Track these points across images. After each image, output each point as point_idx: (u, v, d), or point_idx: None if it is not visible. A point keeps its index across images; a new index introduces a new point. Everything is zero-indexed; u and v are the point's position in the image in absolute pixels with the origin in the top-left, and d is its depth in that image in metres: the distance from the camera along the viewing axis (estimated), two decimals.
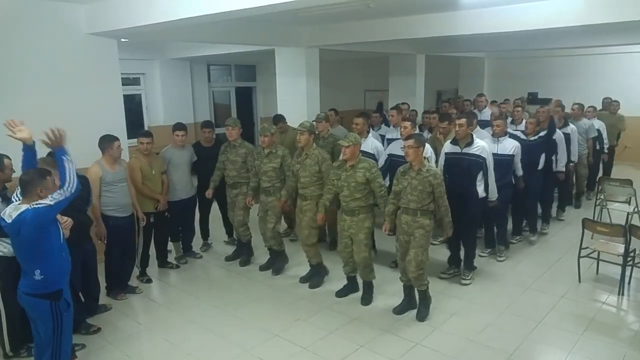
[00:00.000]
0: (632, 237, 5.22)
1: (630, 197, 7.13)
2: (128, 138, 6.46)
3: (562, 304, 5.11)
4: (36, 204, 3.23)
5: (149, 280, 5.87)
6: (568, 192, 8.25)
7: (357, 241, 5.00)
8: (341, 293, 5.40)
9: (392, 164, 5.77)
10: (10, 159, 4.10)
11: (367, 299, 5.22)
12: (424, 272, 4.79)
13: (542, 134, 6.58)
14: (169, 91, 11.85)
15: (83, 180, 4.55)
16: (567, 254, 6.28)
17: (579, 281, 5.58)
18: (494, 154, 5.61)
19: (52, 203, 3.24)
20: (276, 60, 8.93)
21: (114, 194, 5.08)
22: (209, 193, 6.24)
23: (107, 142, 5.06)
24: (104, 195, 5.02)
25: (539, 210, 7.19)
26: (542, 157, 6.53)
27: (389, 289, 5.38)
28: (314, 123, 6.04)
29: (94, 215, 4.94)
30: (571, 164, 7.35)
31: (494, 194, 5.52)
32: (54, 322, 3.45)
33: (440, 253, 5.97)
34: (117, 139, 5.14)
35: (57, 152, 3.40)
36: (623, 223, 5.69)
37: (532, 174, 6.43)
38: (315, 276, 5.70)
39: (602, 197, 7.42)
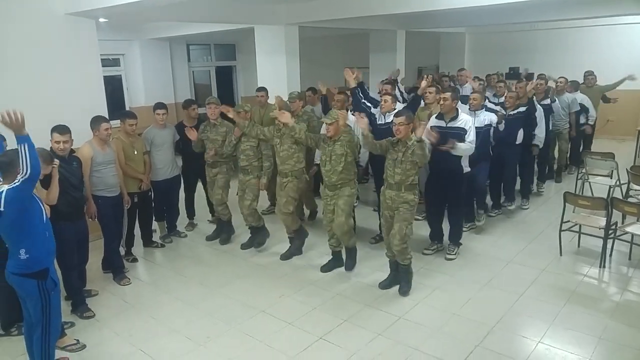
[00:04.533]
0: (614, 210, 5.30)
1: (612, 171, 7.19)
2: (109, 119, 6.36)
3: (543, 277, 5.19)
4: (9, 186, 3.23)
5: (135, 260, 5.87)
6: (548, 165, 8.34)
7: (336, 207, 5.07)
8: (326, 268, 5.44)
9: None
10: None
11: (350, 265, 5.32)
12: (408, 246, 4.84)
13: (521, 109, 6.57)
14: (149, 72, 11.75)
15: (78, 160, 4.64)
16: (548, 228, 6.37)
17: (560, 254, 5.66)
18: None
19: (15, 183, 3.21)
20: (256, 38, 8.83)
21: (102, 175, 5.05)
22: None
23: (95, 123, 5.05)
24: (92, 175, 5.00)
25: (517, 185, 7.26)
26: (521, 132, 6.57)
27: (372, 264, 5.43)
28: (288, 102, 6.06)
29: (86, 194, 4.92)
30: (535, 147, 7.16)
31: (455, 149, 5.22)
32: (42, 301, 3.48)
33: (424, 229, 5.99)
34: (105, 120, 5.08)
35: (18, 140, 3.26)
36: (605, 196, 5.78)
37: (510, 149, 6.49)
38: (296, 243, 5.77)
39: (583, 170, 7.50)
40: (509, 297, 4.77)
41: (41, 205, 3.49)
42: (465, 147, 5.26)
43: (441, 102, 5.40)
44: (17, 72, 5.51)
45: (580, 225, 5.68)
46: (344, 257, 5.41)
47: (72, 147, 4.55)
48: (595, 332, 4.14)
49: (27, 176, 3.17)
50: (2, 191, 3.21)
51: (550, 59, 12.61)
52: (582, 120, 8.62)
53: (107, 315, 4.69)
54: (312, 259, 5.72)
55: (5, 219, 3.28)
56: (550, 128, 7.70)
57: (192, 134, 5.94)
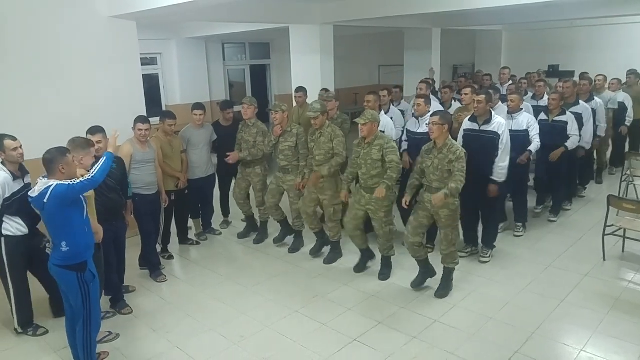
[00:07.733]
0: None
1: None
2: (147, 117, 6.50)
3: (585, 282, 5.04)
4: (61, 182, 3.37)
5: (171, 257, 5.97)
6: (590, 168, 8.07)
7: (377, 219, 5.00)
8: (358, 268, 5.43)
9: (410, 141, 5.82)
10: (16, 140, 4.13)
11: (385, 274, 5.24)
12: (456, 250, 4.81)
13: (563, 117, 6.23)
14: (185, 70, 11.92)
15: (118, 161, 4.67)
16: (590, 232, 6.18)
17: (604, 259, 5.48)
18: (509, 130, 5.41)
19: (73, 182, 3.38)
20: (290, 37, 8.85)
21: (140, 173, 5.14)
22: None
23: (134, 122, 5.16)
24: (131, 173, 5.08)
25: None
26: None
27: (406, 265, 5.34)
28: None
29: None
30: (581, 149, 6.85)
31: (500, 175, 5.20)
32: (82, 292, 3.60)
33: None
34: (141, 121, 5.14)
35: (105, 154, 3.70)
36: None
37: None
38: (333, 252, 5.74)
39: (628, 172, 7.23)
40: (549, 303, 4.64)
41: (84, 203, 3.60)
42: (501, 173, 5.20)
43: (475, 104, 5.28)
44: (64, 73, 5.70)
45: (624, 230, 5.49)
46: (376, 255, 5.38)
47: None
48: None
49: (90, 177, 3.43)
50: (51, 185, 3.34)
51: (590, 57, 12.24)
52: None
53: (144, 311, 4.76)
54: (346, 259, 5.68)
55: (46, 212, 3.43)
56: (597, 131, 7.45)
57: (233, 157, 6.01)
